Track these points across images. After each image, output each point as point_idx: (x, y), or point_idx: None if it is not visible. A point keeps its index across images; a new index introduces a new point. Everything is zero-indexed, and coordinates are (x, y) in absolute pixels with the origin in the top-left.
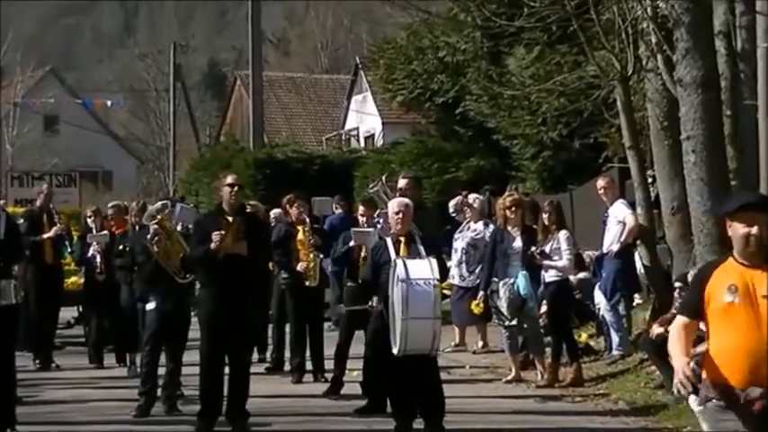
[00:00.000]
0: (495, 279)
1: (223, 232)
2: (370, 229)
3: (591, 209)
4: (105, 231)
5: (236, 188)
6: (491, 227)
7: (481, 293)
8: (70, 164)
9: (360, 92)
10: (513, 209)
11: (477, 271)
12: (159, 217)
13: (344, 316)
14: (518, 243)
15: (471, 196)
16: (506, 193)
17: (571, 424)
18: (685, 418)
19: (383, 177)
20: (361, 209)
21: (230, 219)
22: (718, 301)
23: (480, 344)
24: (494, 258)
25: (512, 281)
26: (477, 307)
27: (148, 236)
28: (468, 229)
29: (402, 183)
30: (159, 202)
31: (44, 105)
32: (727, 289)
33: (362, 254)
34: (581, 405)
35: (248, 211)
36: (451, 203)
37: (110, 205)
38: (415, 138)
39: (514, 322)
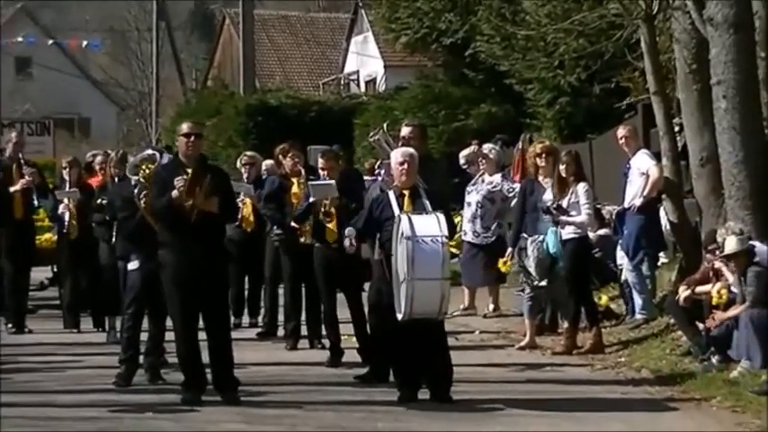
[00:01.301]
0: (525, 235)
1: (185, 177)
2: (330, 182)
3: (612, 160)
4: (75, 189)
5: (192, 138)
6: (508, 180)
7: (509, 250)
8: (44, 110)
9: (360, 32)
10: (545, 156)
11: (493, 227)
12: (144, 168)
13: (323, 278)
14: (548, 195)
15: (486, 146)
16: (537, 140)
17: (590, 394)
18: (714, 387)
19: (385, 125)
20: (320, 161)
21: (189, 171)
22: None
23: (491, 307)
24: (523, 212)
25: (540, 238)
26: (504, 265)
27: (135, 191)
28: (483, 181)
29: (405, 131)
30: (145, 151)
31: (15, 46)
32: None
33: (323, 209)
34: (601, 374)
35: (210, 162)
36: (463, 154)
37: (92, 153)
38: (421, 82)
39: (543, 283)
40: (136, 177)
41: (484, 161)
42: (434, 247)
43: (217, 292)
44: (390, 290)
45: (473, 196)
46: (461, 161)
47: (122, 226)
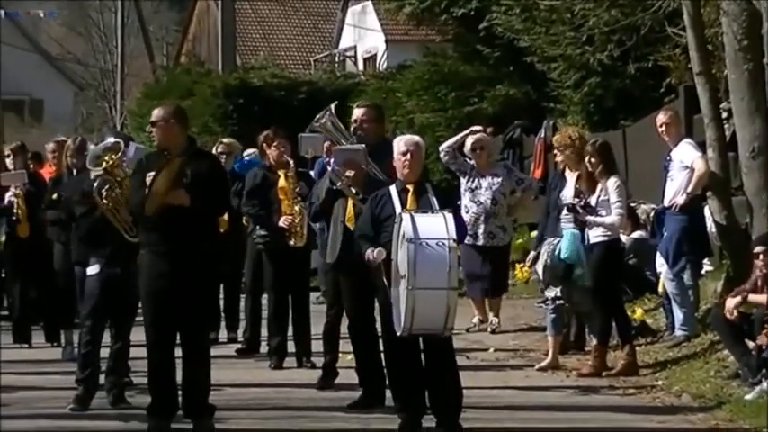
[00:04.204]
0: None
1: (153, 173)
2: (359, 146)
3: (649, 151)
4: (22, 170)
5: (154, 127)
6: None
7: (531, 254)
8: None
9: (358, 1)
10: (562, 149)
11: (508, 227)
12: (107, 159)
13: (332, 285)
14: (568, 191)
15: (469, 139)
16: (562, 128)
17: (621, 423)
18: (766, 416)
19: (332, 106)
20: (357, 112)
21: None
22: None
23: (496, 320)
24: (549, 211)
25: (556, 241)
26: (521, 270)
27: (95, 185)
28: (483, 176)
29: (357, 113)
30: (109, 140)
31: None
32: None
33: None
34: (634, 399)
35: (199, 148)
36: (444, 146)
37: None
38: (428, 60)
39: (553, 293)
40: (98, 170)
41: (479, 152)
42: (440, 252)
43: (191, 303)
44: (388, 299)
45: (483, 193)
46: (442, 154)
47: (79, 225)
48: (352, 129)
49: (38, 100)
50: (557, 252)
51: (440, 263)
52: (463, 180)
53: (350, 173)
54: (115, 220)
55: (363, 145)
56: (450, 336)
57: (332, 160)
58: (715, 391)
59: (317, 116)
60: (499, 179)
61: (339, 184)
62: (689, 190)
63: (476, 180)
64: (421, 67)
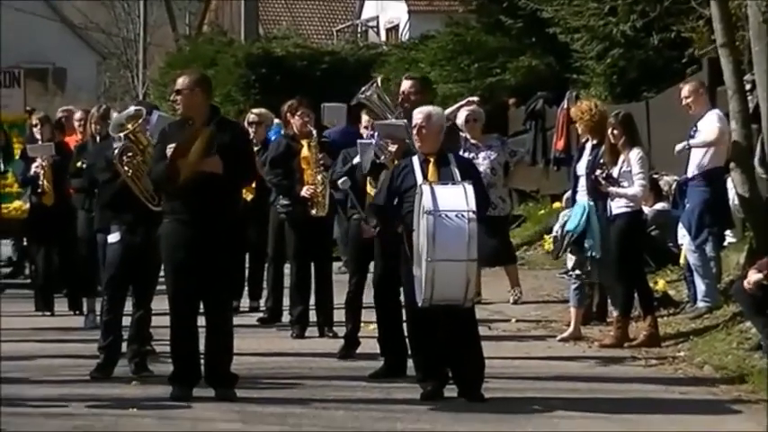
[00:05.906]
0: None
1: (173, 145)
2: (401, 122)
3: (671, 122)
4: (49, 143)
5: (178, 95)
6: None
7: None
8: (12, 59)
9: None
10: (578, 122)
11: (506, 197)
12: (130, 127)
13: (354, 255)
14: (582, 162)
15: (463, 111)
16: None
17: (643, 393)
18: None
19: (378, 79)
20: (405, 84)
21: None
22: None
23: (518, 291)
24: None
25: (569, 212)
26: (548, 242)
27: (116, 151)
28: (478, 147)
29: (405, 85)
30: (132, 107)
31: None
32: None
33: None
34: (656, 370)
35: (223, 116)
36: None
37: (64, 109)
38: (450, 30)
39: (570, 265)
40: (119, 137)
41: (473, 124)
42: (459, 224)
43: (217, 272)
44: (410, 270)
45: (482, 163)
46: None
47: (102, 192)
48: (399, 100)
49: (61, 68)
50: (564, 224)
51: (459, 234)
52: None
53: (392, 147)
54: (136, 188)
55: (405, 120)
56: (472, 306)
57: (376, 134)
58: (737, 362)
59: (363, 88)
60: (494, 151)
61: (383, 157)
62: (691, 143)
63: (471, 152)
64: (444, 37)
